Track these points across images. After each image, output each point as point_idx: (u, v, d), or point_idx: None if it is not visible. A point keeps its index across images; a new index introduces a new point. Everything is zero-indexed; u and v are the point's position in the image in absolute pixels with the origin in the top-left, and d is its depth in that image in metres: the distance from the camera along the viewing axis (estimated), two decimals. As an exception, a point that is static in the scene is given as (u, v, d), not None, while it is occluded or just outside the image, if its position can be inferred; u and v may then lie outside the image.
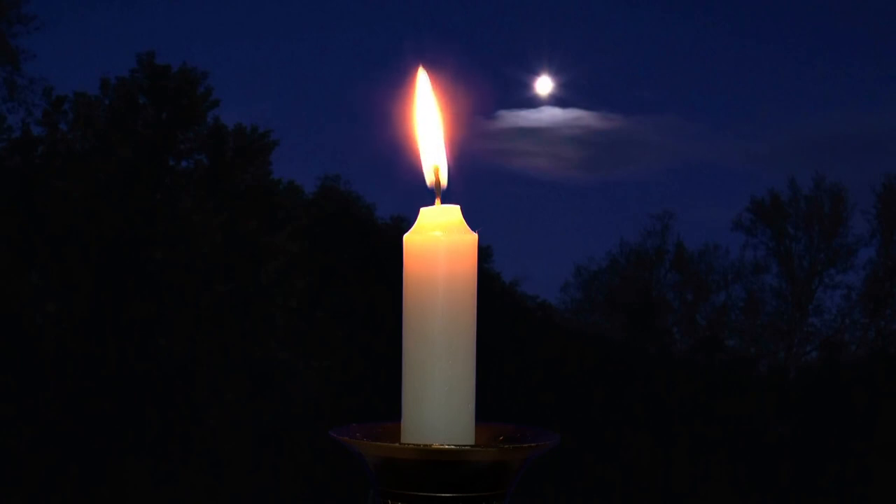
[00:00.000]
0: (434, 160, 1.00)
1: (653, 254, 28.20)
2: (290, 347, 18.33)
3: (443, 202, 0.97)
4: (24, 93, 18.62)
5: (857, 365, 24.31)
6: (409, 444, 0.92)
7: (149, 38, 38.32)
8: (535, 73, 27.73)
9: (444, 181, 0.99)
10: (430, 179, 0.99)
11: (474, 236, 0.96)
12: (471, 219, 0.96)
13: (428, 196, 0.98)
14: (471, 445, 0.93)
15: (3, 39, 18.62)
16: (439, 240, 0.94)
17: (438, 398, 0.94)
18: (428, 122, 1.01)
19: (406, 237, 0.96)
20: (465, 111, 1.04)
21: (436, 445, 0.90)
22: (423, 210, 0.96)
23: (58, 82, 19.06)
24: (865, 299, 26.77)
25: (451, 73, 1.04)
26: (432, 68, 1.02)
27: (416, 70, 1.02)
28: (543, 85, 27.68)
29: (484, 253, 21.98)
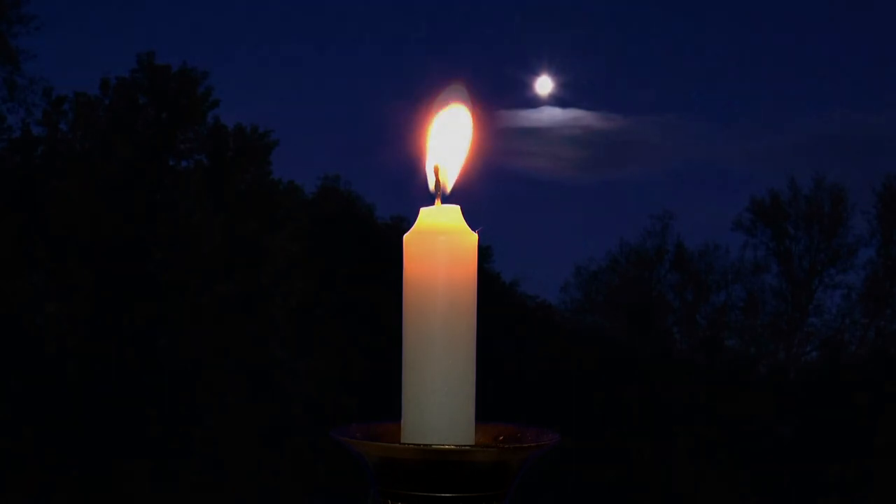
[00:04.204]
0: (435, 161, 1.00)
1: (653, 254, 28.20)
2: (290, 347, 18.33)
3: (443, 202, 0.97)
4: (24, 93, 18.63)
5: (857, 365, 24.30)
6: (409, 444, 0.92)
7: (149, 38, 38.37)
8: (535, 73, 27.74)
9: (447, 183, 0.99)
10: (431, 181, 0.99)
11: (474, 236, 0.96)
12: (471, 219, 0.96)
13: (428, 196, 0.98)
14: (471, 445, 0.93)
15: (3, 39, 18.62)
16: (439, 240, 0.94)
17: (438, 398, 0.94)
18: (450, 125, 1.01)
19: (406, 237, 0.96)
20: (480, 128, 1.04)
21: (436, 445, 0.90)
22: (423, 210, 0.96)
23: (58, 82, 19.07)
24: (865, 299, 26.76)
25: (450, 72, 1.04)
26: (468, 84, 1.02)
27: (442, 81, 1.02)
28: (543, 85, 27.70)
29: (484, 253, 21.96)
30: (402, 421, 0.95)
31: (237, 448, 16.77)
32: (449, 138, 1.01)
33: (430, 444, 0.91)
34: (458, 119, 1.01)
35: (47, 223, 17.16)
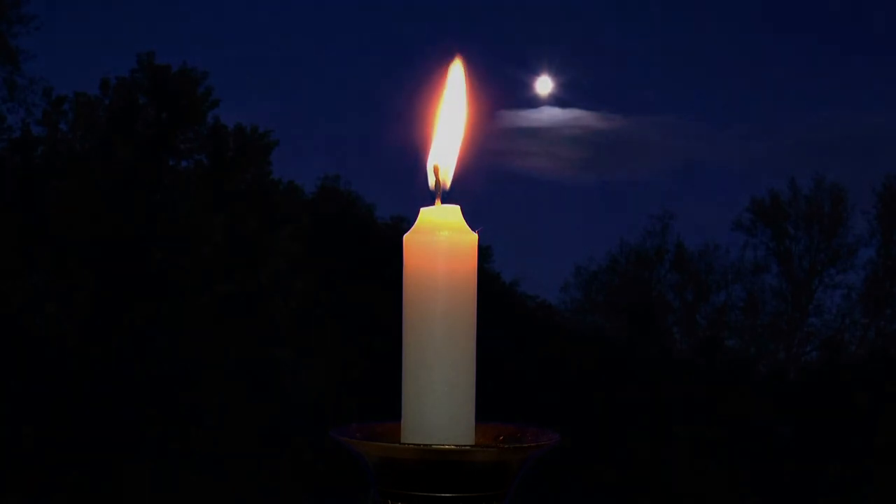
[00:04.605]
0: (435, 160, 1.00)
1: (653, 254, 28.22)
2: (290, 347, 18.33)
3: (443, 202, 0.97)
4: (24, 93, 18.64)
5: (857, 365, 24.30)
6: (409, 444, 0.92)
7: (149, 38, 38.38)
8: (535, 73, 27.78)
9: (446, 182, 0.99)
10: (431, 180, 0.99)
11: (474, 236, 0.96)
12: (471, 219, 0.96)
13: (428, 196, 0.98)
14: (471, 445, 0.93)
15: (3, 39, 18.62)
16: (439, 240, 0.94)
17: (438, 398, 0.94)
18: (448, 120, 1.01)
19: (406, 237, 0.96)
20: (473, 117, 1.04)
21: (436, 445, 0.90)
22: (423, 210, 0.96)
23: (58, 82, 19.08)
24: (865, 299, 26.77)
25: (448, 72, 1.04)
26: (465, 62, 1.01)
27: (447, 64, 1.02)
28: (543, 85, 27.74)
29: (484, 253, 21.97)
30: (402, 421, 0.95)
31: (237, 448, 16.77)
32: (448, 125, 1.01)
33: (430, 444, 0.91)
34: (453, 95, 1.01)
35: (47, 223, 17.16)
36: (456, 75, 1.01)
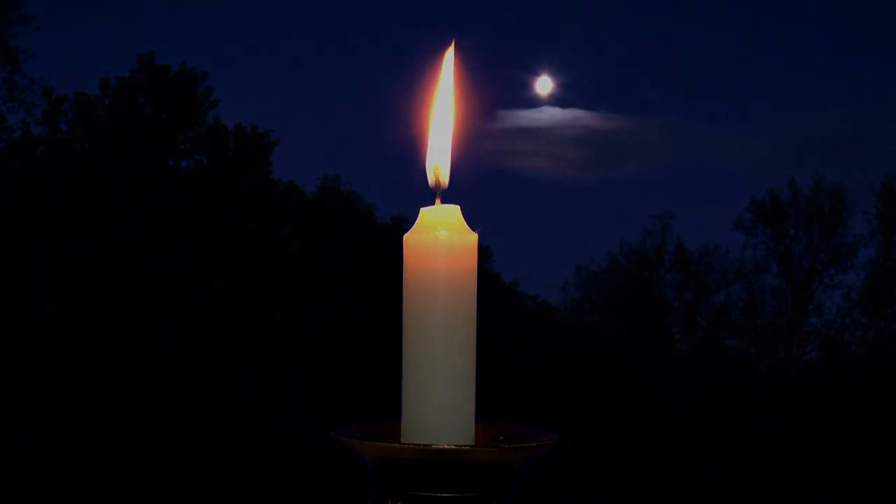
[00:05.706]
0: (435, 160, 1.00)
1: (653, 254, 28.21)
2: (290, 347, 18.33)
3: (443, 202, 0.97)
4: (24, 93, 18.63)
5: (857, 365, 24.31)
6: (409, 444, 0.92)
7: (149, 38, 38.42)
8: (535, 73, 27.81)
9: (445, 180, 0.99)
10: (430, 179, 0.99)
11: (474, 236, 0.96)
12: (471, 219, 0.96)
13: (428, 196, 0.98)
14: (471, 445, 0.93)
15: (3, 39, 18.62)
16: (439, 240, 0.94)
17: (438, 398, 0.94)
18: (441, 116, 1.01)
19: (406, 237, 0.95)
20: (466, 111, 1.04)
21: (436, 445, 0.90)
22: (423, 210, 0.96)
23: (58, 82, 19.09)
24: (865, 299, 26.77)
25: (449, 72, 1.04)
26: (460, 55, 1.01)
27: (441, 56, 1.01)
28: (543, 85, 27.77)
29: (484, 253, 21.97)
30: (402, 421, 0.95)
31: (237, 448, 16.77)
32: (442, 120, 1.00)
33: (430, 444, 0.90)
34: (445, 89, 1.01)
35: (47, 223, 17.15)
36: (447, 68, 1.01)
